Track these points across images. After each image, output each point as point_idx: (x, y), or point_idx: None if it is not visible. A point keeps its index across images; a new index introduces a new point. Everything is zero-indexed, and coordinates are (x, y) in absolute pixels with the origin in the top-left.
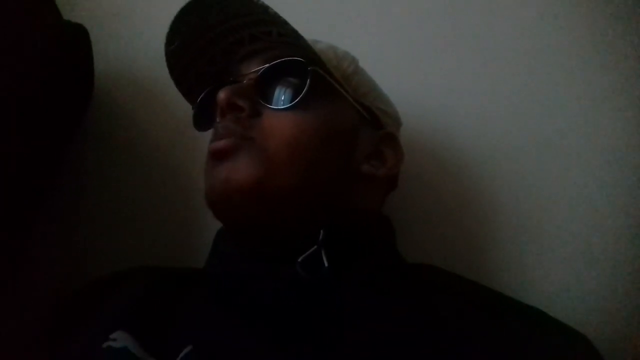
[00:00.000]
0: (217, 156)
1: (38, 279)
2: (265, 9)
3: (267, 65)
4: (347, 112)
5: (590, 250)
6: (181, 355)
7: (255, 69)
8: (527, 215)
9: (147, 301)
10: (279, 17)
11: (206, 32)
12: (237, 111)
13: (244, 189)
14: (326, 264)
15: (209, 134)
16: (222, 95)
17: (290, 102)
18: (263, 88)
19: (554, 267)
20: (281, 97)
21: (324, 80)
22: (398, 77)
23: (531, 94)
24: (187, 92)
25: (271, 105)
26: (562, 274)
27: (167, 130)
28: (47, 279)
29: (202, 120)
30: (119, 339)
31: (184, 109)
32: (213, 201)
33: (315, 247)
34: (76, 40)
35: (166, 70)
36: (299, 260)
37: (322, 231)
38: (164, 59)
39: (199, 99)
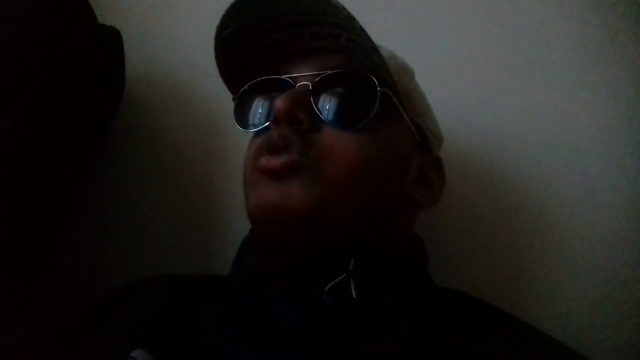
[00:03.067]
0: (272, 175)
1: (60, 284)
2: (351, 19)
3: (330, 72)
4: (404, 134)
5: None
6: None
7: (310, 72)
8: (572, 241)
9: (167, 316)
10: (360, 26)
11: (265, 22)
12: (294, 123)
13: (298, 217)
14: (354, 295)
15: (240, 142)
16: (280, 104)
17: (355, 124)
18: (321, 98)
19: (598, 300)
20: (343, 115)
21: (389, 102)
22: (432, 88)
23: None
24: (229, 79)
25: (333, 123)
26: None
27: (195, 136)
28: (69, 285)
29: (245, 117)
30: (139, 358)
31: (213, 114)
32: (260, 221)
33: (345, 275)
34: (109, 43)
35: (197, 75)
36: (326, 288)
37: (352, 260)
38: (196, 64)
39: (241, 91)
